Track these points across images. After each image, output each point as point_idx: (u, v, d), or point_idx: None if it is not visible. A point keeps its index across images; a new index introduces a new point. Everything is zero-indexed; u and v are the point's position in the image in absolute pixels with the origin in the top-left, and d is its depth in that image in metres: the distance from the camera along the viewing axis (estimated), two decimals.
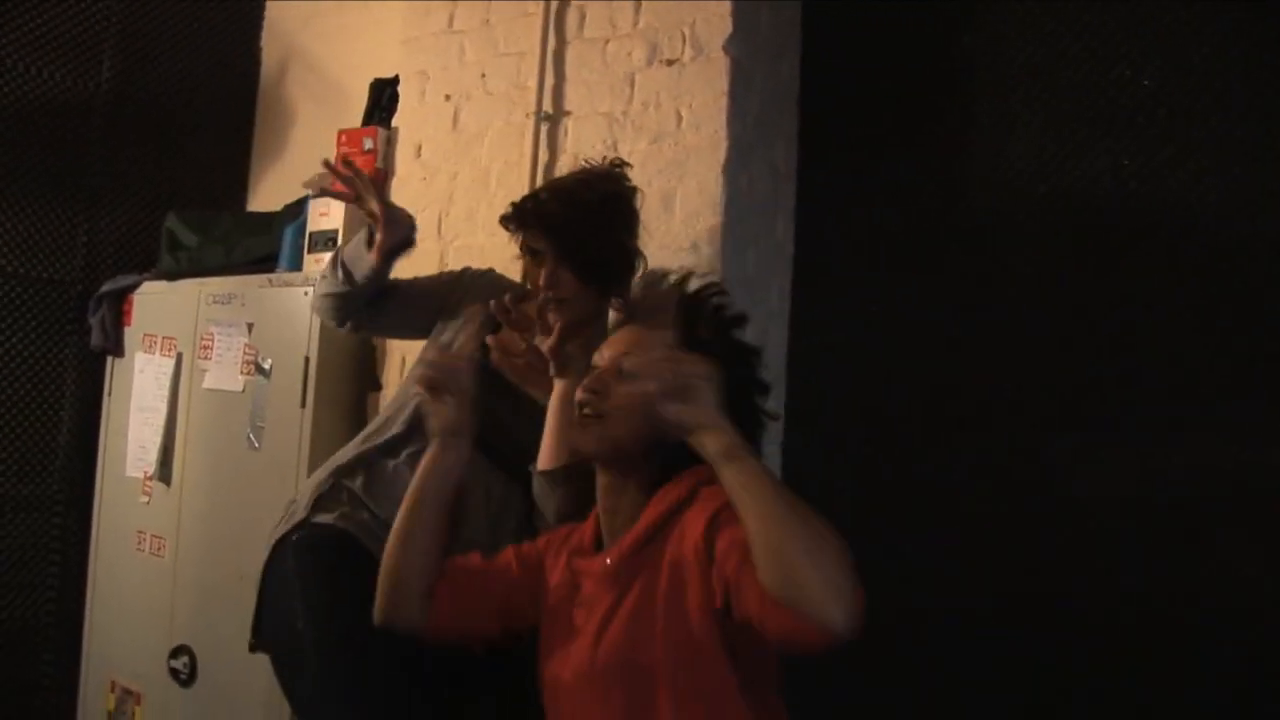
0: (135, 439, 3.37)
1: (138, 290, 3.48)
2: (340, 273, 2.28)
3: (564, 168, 2.89)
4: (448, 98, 3.13)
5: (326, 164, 2.34)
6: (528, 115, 2.94)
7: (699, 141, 2.71)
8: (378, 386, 3.08)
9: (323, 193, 2.75)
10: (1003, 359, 2.75)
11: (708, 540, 1.55)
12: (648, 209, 2.73)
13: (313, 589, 2.07)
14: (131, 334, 3.46)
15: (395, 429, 2.22)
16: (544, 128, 2.92)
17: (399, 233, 2.25)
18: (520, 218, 2.17)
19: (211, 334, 3.17)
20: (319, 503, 2.16)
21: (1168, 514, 2.51)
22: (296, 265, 3.15)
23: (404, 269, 2.40)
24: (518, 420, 2.16)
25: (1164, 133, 2.59)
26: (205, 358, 3.18)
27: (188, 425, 3.22)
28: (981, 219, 2.82)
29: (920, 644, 2.67)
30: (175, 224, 3.46)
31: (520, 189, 2.82)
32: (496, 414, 2.12)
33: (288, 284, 3.07)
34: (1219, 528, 2.46)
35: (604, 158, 2.28)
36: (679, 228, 2.70)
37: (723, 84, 2.70)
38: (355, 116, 3.41)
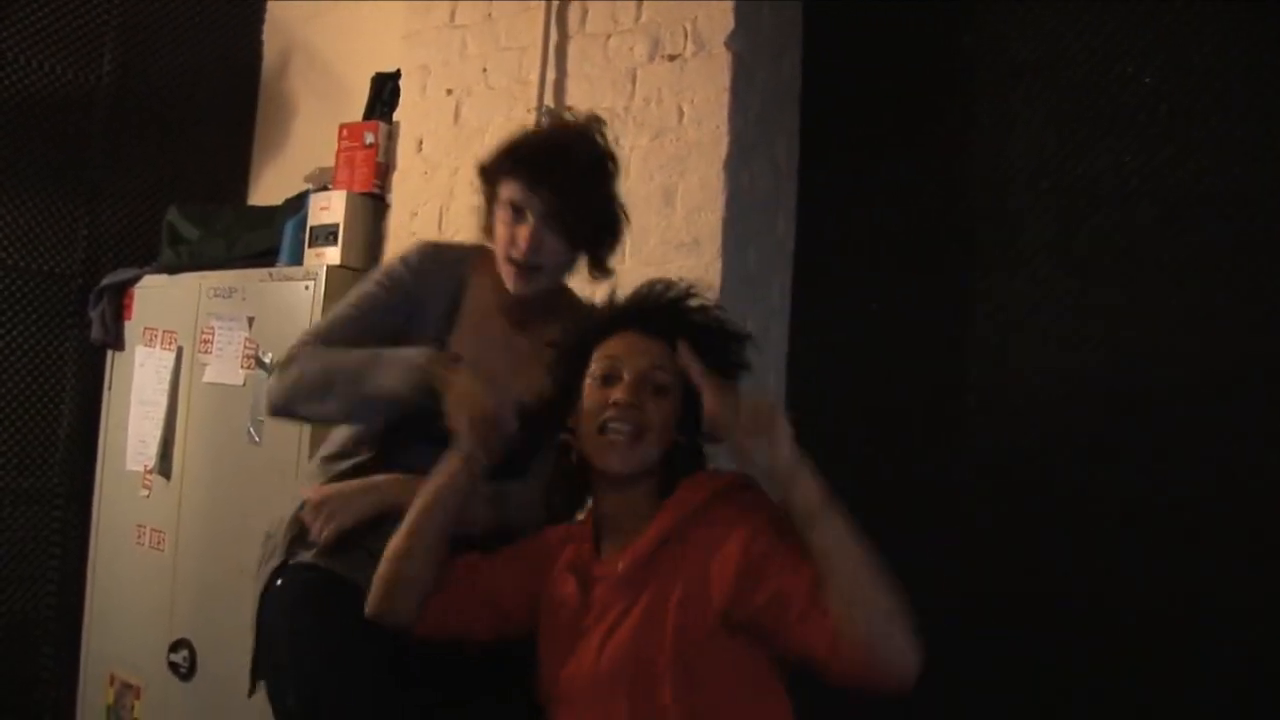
0: (135, 433, 3.37)
1: (138, 284, 3.48)
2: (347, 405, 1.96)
3: None
4: (449, 92, 3.13)
5: None
6: (529, 110, 2.94)
7: (700, 137, 2.71)
8: None
9: None
10: (1003, 358, 2.75)
11: (748, 572, 1.56)
12: (649, 204, 2.74)
13: (302, 668, 1.90)
14: (132, 328, 3.46)
15: (365, 454, 2.01)
16: (545, 123, 2.92)
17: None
18: (514, 169, 1.98)
19: (212, 328, 3.17)
20: (297, 540, 1.99)
21: (1169, 513, 2.51)
22: (297, 259, 3.15)
23: None
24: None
25: (1165, 131, 2.58)
26: (206, 351, 3.18)
27: (188, 419, 3.22)
28: (982, 217, 2.82)
29: (925, 640, 2.67)
30: (176, 218, 3.46)
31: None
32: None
33: (288, 278, 3.06)
34: (1220, 528, 2.45)
35: (572, 110, 2.20)
36: (680, 223, 2.70)
37: (724, 80, 2.70)
38: (357, 110, 3.41)
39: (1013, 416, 2.72)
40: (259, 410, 3.01)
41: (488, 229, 2.06)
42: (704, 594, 1.58)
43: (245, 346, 3.07)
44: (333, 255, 3.07)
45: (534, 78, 2.95)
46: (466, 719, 1.94)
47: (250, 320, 3.08)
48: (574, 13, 2.94)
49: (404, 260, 2.10)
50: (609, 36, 2.87)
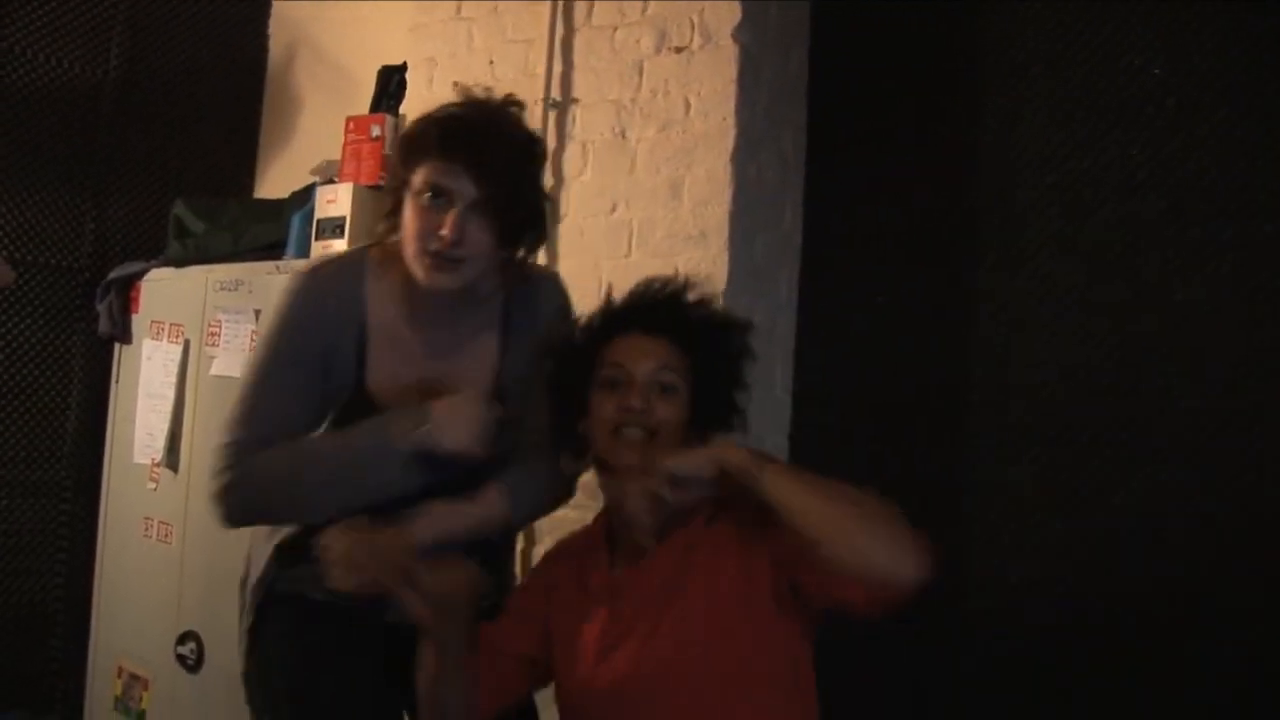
0: (143, 426, 3.38)
1: (145, 277, 3.48)
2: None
3: (572, 156, 2.89)
4: (456, 85, 3.11)
5: None
6: (536, 103, 2.93)
7: (707, 129, 2.71)
8: None
9: None
10: (1010, 350, 2.74)
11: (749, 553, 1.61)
12: (655, 197, 2.74)
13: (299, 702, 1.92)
14: (139, 321, 3.46)
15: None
16: (552, 115, 2.93)
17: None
18: (439, 147, 1.76)
19: (219, 321, 3.17)
20: (267, 600, 2.00)
21: (1172, 509, 2.50)
22: (304, 252, 3.15)
23: None
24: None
25: (1173, 123, 2.57)
26: (213, 344, 3.18)
27: (195, 412, 3.22)
28: (989, 210, 2.81)
29: (926, 640, 2.67)
30: (183, 211, 3.45)
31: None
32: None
33: (295, 271, 3.06)
34: (1229, 525, 2.44)
35: (486, 88, 1.92)
36: (687, 216, 2.70)
37: (731, 72, 2.69)
38: (363, 103, 3.40)
39: (1019, 410, 2.72)
40: None
41: (390, 224, 1.87)
42: (748, 570, 1.61)
43: (252, 339, 3.07)
44: (340, 248, 3.07)
45: (540, 70, 2.95)
46: None
47: (257, 313, 3.07)
48: (580, 5, 2.94)
49: (291, 308, 1.87)
50: (615, 29, 2.87)
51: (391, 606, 1.73)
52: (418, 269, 1.79)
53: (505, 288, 1.96)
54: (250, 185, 4.05)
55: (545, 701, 1.89)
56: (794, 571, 1.58)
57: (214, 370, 3.16)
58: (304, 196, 3.28)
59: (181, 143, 3.91)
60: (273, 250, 3.24)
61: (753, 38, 2.74)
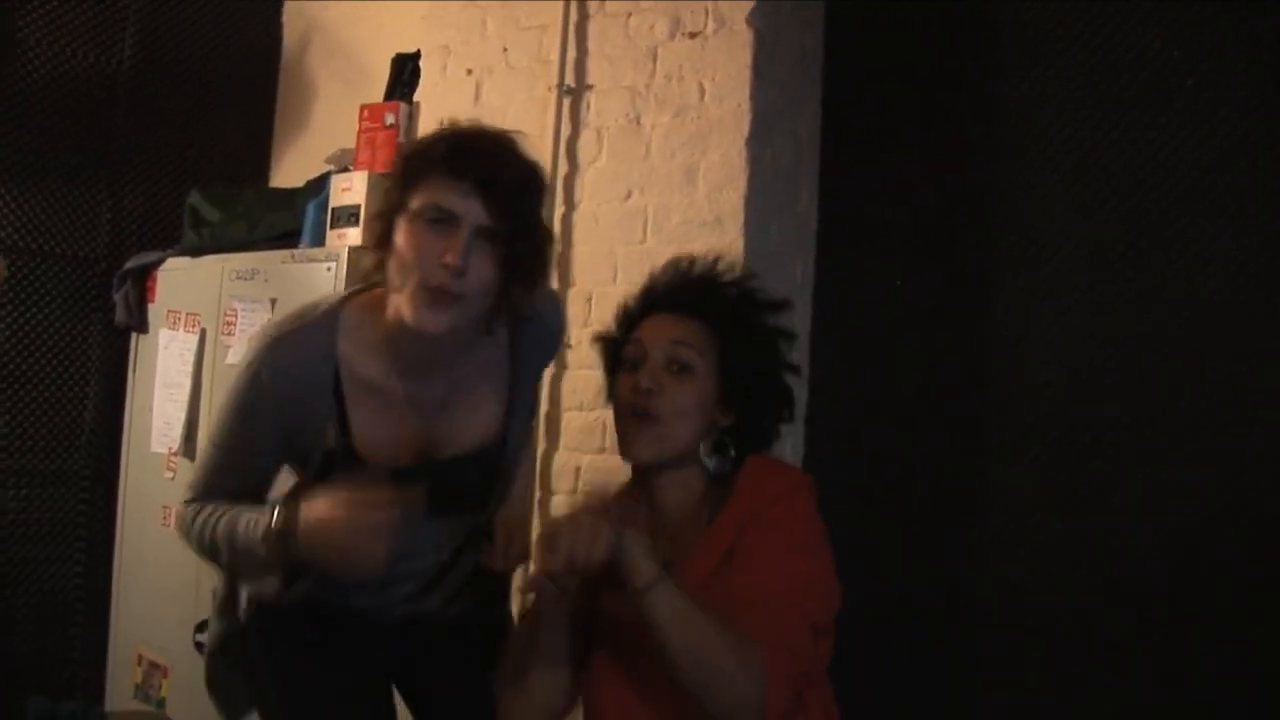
0: (160, 415, 3.39)
1: (161, 267, 3.49)
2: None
3: (587, 142, 2.89)
4: (470, 72, 3.12)
5: None
6: (550, 89, 2.93)
7: (722, 115, 2.70)
8: None
9: None
10: (1026, 336, 2.73)
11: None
12: (670, 183, 2.73)
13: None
14: (155, 310, 3.48)
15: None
16: (566, 102, 2.92)
17: None
18: (447, 166, 1.58)
19: (235, 310, 3.18)
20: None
21: (1181, 505, 2.49)
22: (319, 241, 3.15)
23: None
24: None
25: (1193, 103, 2.55)
26: (229, 334, 3.18)
27: (212, 401, 3.22)
28: (1009, 192, 2.79)
29: (931, 638, 2.68)
30: (198, 200, 3.46)
31: (543, 164, 2.81)
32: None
33: (310, 259, 3.06)
34: (1224, 528, 2.43)
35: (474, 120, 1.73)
36: (702, 201, 2.70)
37: (746, 57, 2.68)
38: (377, 92, 3.40)
39: (1035, 395, 2.70)
40: None
41: (379, 258, 1.66)
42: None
43: None
44: (354, 236, 3.07)
45: (555, 57, 2.94)
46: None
47: (273, 302, 3.08)
48: None
49: (245, 389, 1.68)
50: (629, 15, 2.86)
51: (402, 602, 1.75)
52: (406, 307, 1.59)
53: (509, 325, 1.79)
54: (265, 174, 4.05)
55: None
56: None
57: (230, 359, 3.16)
58: (319, 185, 3.28)
59: (196, 132, 3.92)
60: (288, 239, 3.25)
61: (767, 22, 2.73)
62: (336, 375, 1.69)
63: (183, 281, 3.41)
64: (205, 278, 3.30)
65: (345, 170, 3.27)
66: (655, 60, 2.81)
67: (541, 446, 2.84)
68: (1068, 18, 2.73)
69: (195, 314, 3.31)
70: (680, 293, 1.74)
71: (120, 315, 3.53)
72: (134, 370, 3.55)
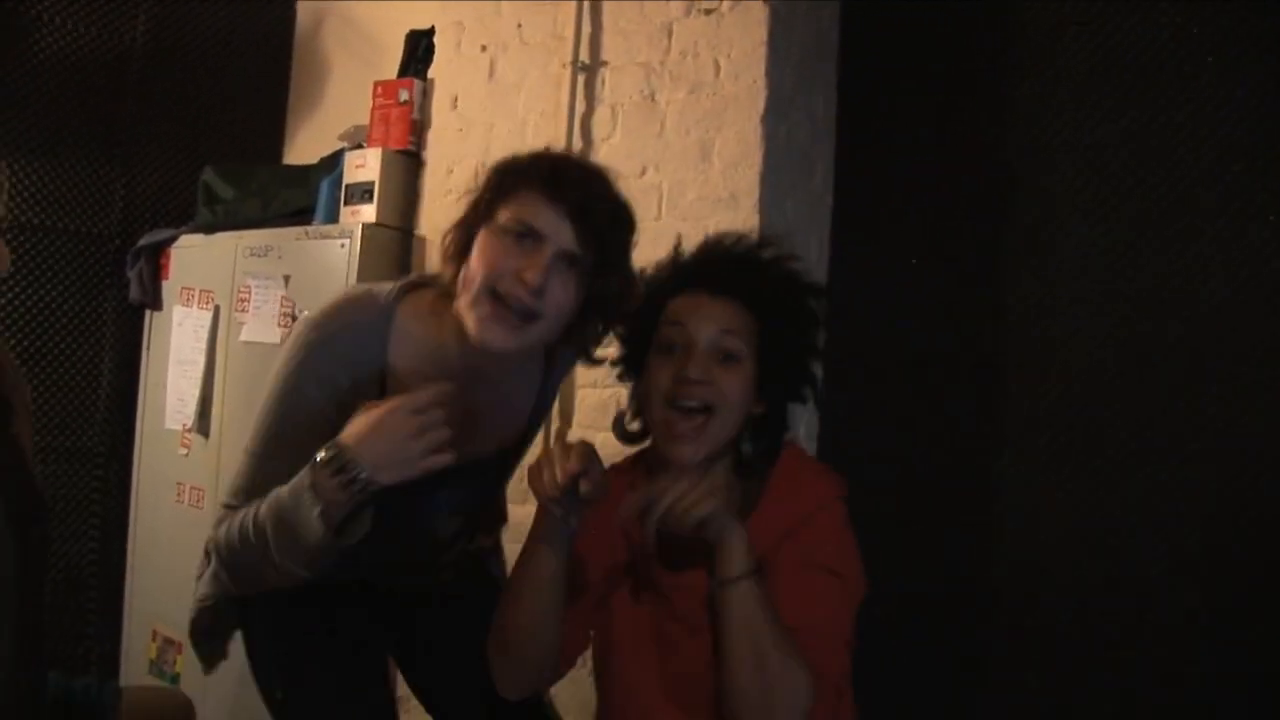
0: (174, 392, 3.40)
1: (175, 244, 3.49)
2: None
3: (601, 119, 2.87)
4: (484, 48, 3.11)
5: None
6: (564, 65, 2.91)
7: (737, 91, 2.68)
8: None
9: None
10: (1043, 313, 2.72)
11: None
12: (685, 159, 2.72)
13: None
14: (169, 287, 3.48)
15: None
16: (581, 78, 2.90)
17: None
18: (542, 184, 1.55)
19: (249, 286, 3.18)
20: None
21: (1181, 505, 2.48)
22: (333, 218, 3.15)
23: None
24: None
25: (1212, 81, 2.53)
26: (243, 310, 3.19)
27: (225, 378, 3.24)
28: (1023, 170, 2.77)
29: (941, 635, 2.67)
30: (212, 177, 3.46)
31: (557, 140, 2.80)
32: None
33: (324, 236, 3.06)
34: (1229, 527, 2.43)
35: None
36: (717, 178, 2.68)
37: (762, 33, 2.66)
38: (391, 68, 3.39)
39: (1051, 372, 2.70)
40: None
41: (455, 266, 1.60)
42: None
43: (282, 305, 3.07)
44: (368, 213, 3.07)
45: (569, 33, 2.92)
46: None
47: (286, 279, 3.08)
48: None
49: (295, 371, 1.66)
50: None
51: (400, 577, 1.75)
52: (470, 318, 1.54)
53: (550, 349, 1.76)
54: (279, 151, 4.04)
55: None
56: None
57: (244, 336, 3.17)
58: (332, 162, 3.28)
59: (210, 109, 3.91)
60: (301, 216, 3.25)
61: None
62: (383, 377, 1.66)
63: (196, 258, 3.41)
64: (219, 254, 3.30)
65: (359, 147, 3.26)
66: (670, 36, 2.79)
67: (555, 424, 2.83)
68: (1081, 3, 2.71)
69: (209, 291, 3.31)
70: (722, 272, 1.65)
71: (134, 292, 3.53)
72: (148, 347, 3.56)
